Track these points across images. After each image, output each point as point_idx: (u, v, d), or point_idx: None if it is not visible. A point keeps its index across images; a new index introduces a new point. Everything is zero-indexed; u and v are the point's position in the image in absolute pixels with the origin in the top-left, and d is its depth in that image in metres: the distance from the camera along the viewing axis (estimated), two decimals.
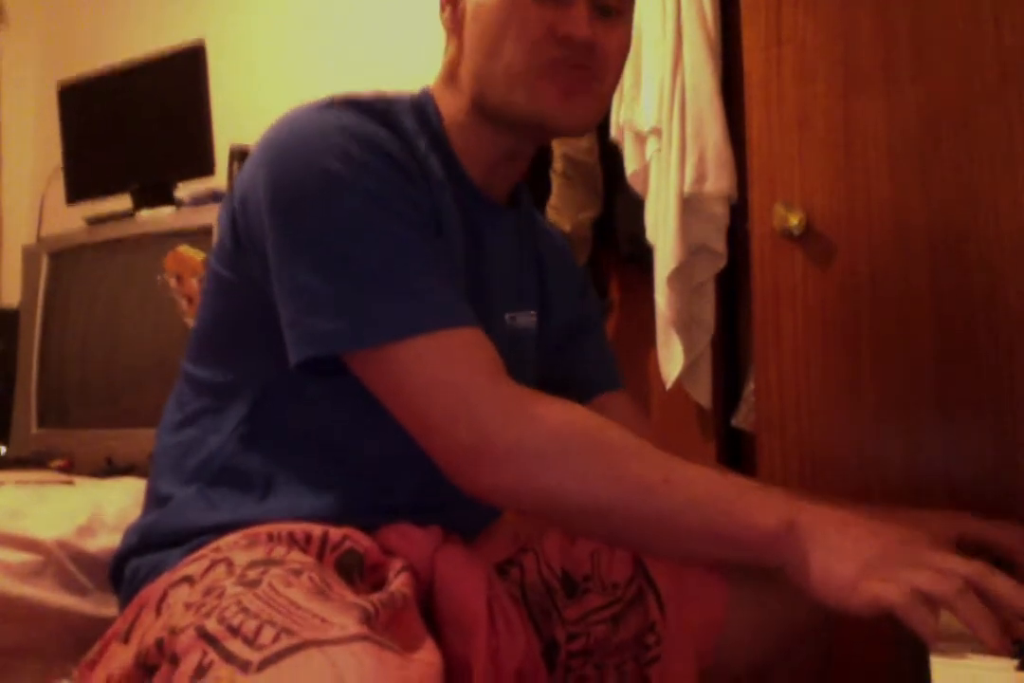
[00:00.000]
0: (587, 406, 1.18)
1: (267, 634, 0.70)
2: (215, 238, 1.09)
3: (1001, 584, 0.78)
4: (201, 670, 0.69)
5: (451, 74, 1.11)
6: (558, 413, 0.93)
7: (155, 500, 1.06)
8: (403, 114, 1.07)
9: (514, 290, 1.18)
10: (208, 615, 0.75)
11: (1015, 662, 0.73)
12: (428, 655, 0.75)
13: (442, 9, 1.10)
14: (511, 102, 1.04)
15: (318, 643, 0.68)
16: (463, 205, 1.08)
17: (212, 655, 0.70)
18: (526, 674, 1.00)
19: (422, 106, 1.11)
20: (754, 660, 1.13)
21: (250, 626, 0.71)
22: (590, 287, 1.38)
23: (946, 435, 1.64)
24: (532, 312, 1.21)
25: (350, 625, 0.71)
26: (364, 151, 0.96)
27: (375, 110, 1.03)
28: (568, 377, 1.27)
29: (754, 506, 0.89)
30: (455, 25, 1.09)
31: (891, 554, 0.82)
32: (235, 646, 0.70)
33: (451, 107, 1.11)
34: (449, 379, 0.91)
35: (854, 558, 0.83)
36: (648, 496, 0.90)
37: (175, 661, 0.73)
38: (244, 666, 0.67)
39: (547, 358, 1.25)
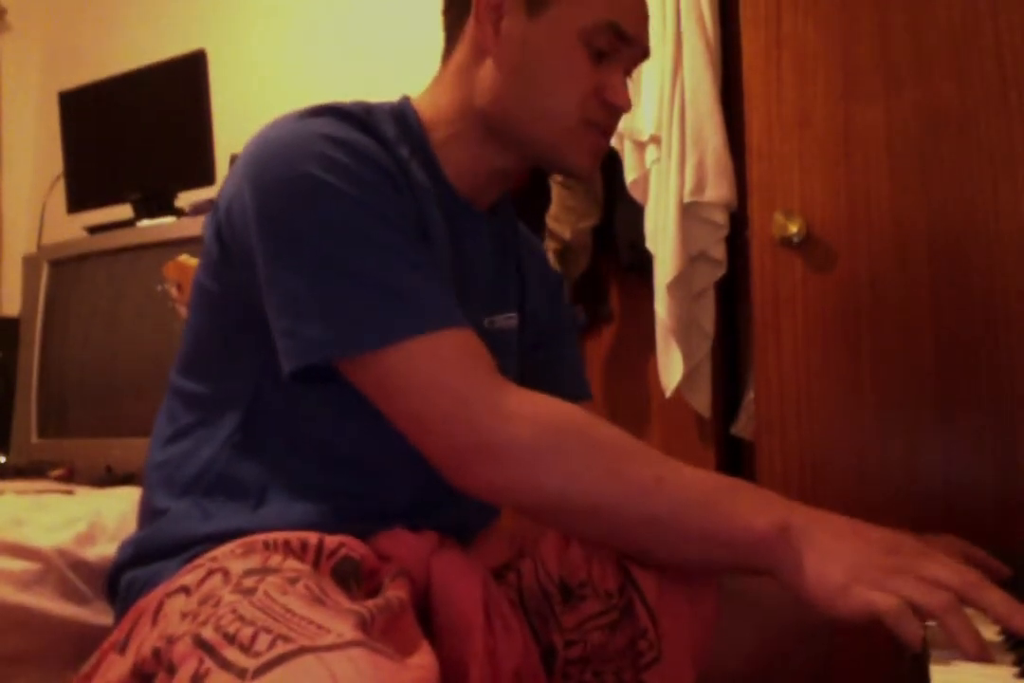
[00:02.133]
0: None
1: (263, 641, 0.70)
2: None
3: (991, 595, 0.78)
4: (198, 678, 0.69)
5: (467, 89, 1.10)
6: (554, 411, 0.94)
7: (150, 514, 1.06)
8: (383, 121, 1.07)
9: (494, 295, 1.18)
10: (204, 623, 0.75)
11: (1014, 670, 0.73)
12: (424, 659, 0.75)
13: (478, 22, 1.08)
14: (546, 143, 1.09)
15: (314, 649, 0.68)
16: (445, 211, 1.09)
17: (209, 663, 0.70)
18: (524, 677, 0.99)
19: (402, 114, 1.11)
20: (751, 664, 1.13)
21: (246, 633, 0.71)
22: (566, 296, 1.39)
23: (947, 442, 1.64)
24: (512, 314, 1.21)
25: (346, 631, 0.70)
26: (347, 158, 0.97)
27: (355, 117, 1.03)
28: (535, 380, 1.27)
29: (749, 507, 0.89)
30: (490, 46, 1.08)
31: (884, 560, 0.82)
32: (231, 653, 0.70)
33: (449, 120, 1.11)
34: (444, 380, 0.92)
35: (846, 563, 0.83)
36: (643, 495, 0.90)
37: (172, 670, 0.72)
38: (241, 673, 0.67)
39: (522, 361, 1.26)
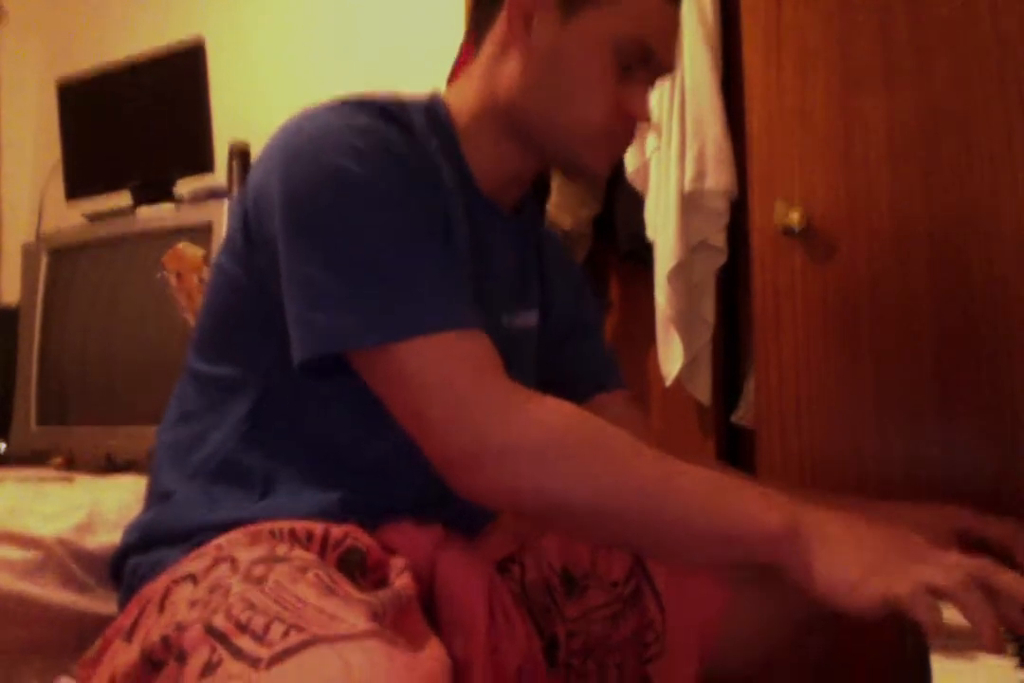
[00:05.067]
0: (586, 404, 1.20)
1: (276, 630, 0.70)
2: (215, 235, 1.09)
3: (1005, 579, 0.79)
4: (210, 667, 0.69)
5: (492, 84, 1.10)
6: (557, 413, 0.93)
7: (156, 496, 1.06)
8: (415, 116, 1.07)
9: (515, 292, 1.19)
10: (215, 612, 0.75)
11: (1015, 660, 0.73)
12: (435, 652, 0.76)
13: (510, 20, 1.07)
14: (565, 146, 1.10)
15: (328, 639, 0.68)
16: (469, 209, 1.09)
17: (221, 651, 0.70)
18: (526, 672, 1.00)
19: (434, 110, 1.11)
20: (754, 658, 1.13)
21: (259, 622, 0.71)
22: (589, 288, 1.38)
23: (946, 432, 1.64)
24: (533, 311, 1.21)
25: (359, 622, 0.70)
26: (377, 152, 0.97)
27: (387, 111, 1.03)
28: (567, 375, 1.28)
29: (757, 506, 0.89)
30: (520, 45, 1.07)
31: (895, 554, 0.83)
32: (244, 642, 0.70)
33: (473, 115, 1.11)
34: (449, 379, 0.91)
35: (858, 558, 0.83)
36: (649, 496, 0.90)
37: (182, 658, 0.72)
38: (254, 662, 0.67)
39: (548, 357, 1.25)
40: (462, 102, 1.12)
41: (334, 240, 0.93)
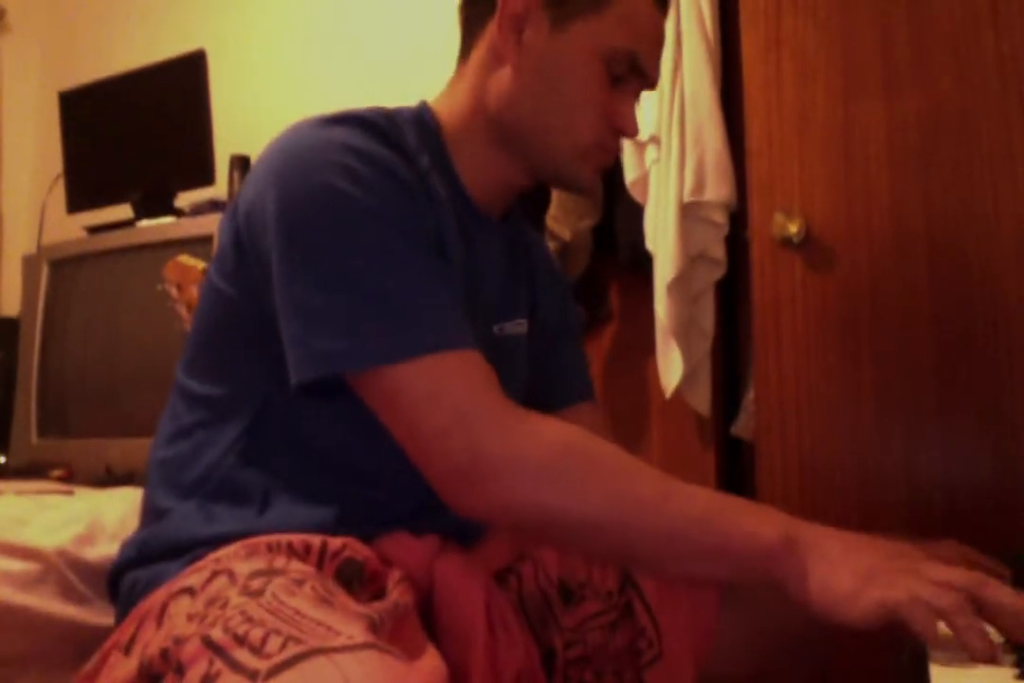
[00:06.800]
0: (560, 412, 1.21)
1: (274, 643, 0.70)
2: (215, 248, 1.09)
3: (999, 592, 0.79)
4: (208, 679, 0.69)
5: (481, 92, 1.10)
6: (555, 431, 0.93)
7: (152, 513, 1.06)
8: (404, 130, 1.07)
9: (505, 301, 1.19)
10: (212, 625, 0.75)
11: (1014, 671, 0.73)
12: (432, 662, 0.76)
13: (500, 29, 1.07)
14: (552, 157, 1.10)
15: (325, 651, 0.68)
16: (461, 219, 1.09)
17: (219, 664, 0.70)
18: (525, 681, 1.00)
19: (423, 121, 1.11)
20: (751, 665, 1.13)
21: (256, 635, 0.71)
22: (572, 298, 1.39)
23: (946, 443, 1.64)
24: (522, 320, 1.22)
25: (357, 634, 0.71)
26: (369, 170, 0.97)
27: (377, 127, 1.03)
28: (546, 381, 1.28)
29: (753, 522, 0.89)
30: (510, 53, 1.07)
31: (890, 566, 0.82)
32: (242, 655, 0.70)
33: (463, 122, 1.11)
34: (445, 398, 0.91)
35: (855, 571, 0.82)
36: (647, 513, 0.90)
37: (180, 671, 0.72)
38: (252, 675, 0.67)
39: (532, 363, 1.26)
40: (451, 109, 1.12)
41: (328, 261, 0.94)
